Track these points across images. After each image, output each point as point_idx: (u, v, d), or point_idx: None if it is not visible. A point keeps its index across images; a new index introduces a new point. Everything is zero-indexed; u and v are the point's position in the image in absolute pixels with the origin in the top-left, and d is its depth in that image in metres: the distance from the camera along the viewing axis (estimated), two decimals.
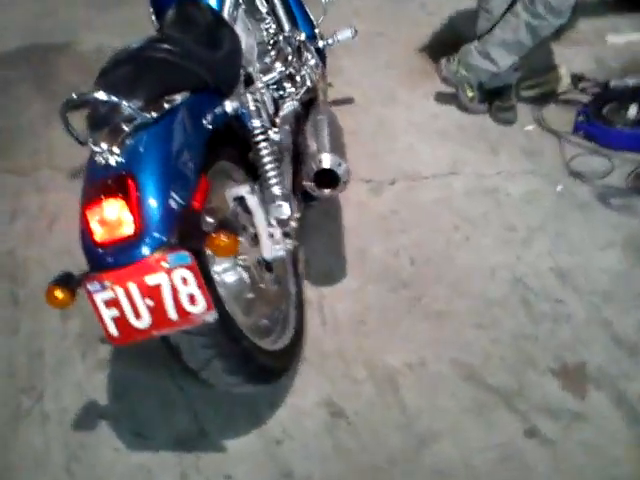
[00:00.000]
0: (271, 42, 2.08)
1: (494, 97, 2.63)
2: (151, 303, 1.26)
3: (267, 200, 1.59)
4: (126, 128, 1.29)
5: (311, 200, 1.88)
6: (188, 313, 1.26)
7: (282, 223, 1.60)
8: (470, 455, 1.56)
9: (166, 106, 1.35)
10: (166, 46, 1.43)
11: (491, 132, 2.58)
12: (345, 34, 2.34)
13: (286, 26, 2.13)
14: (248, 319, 1.57)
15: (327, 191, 1.67)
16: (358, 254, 2.11)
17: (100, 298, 1.27)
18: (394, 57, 3.06)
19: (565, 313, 1.86)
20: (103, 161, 1.26)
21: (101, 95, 1.24)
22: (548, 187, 2.30)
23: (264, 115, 1.61)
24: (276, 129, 1.76)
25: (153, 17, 1.98)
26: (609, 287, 1.92)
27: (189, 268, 1.23)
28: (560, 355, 1.76)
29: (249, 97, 1.60)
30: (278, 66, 1.90)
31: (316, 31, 2.33)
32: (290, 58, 1.97)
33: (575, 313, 1.86)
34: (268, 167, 1.58)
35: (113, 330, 1.29)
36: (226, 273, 1.57)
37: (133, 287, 1.25)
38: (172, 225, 1.25)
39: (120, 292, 1.26)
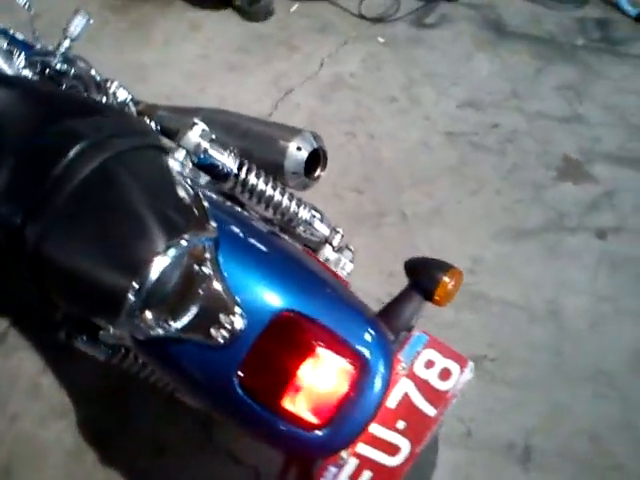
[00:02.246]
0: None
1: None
2: (403, 424, 0.89)
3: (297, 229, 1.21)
4: (206, 269, 0.80)
5: None
6: (445, 393, 0.92)
7: (328, 240, 1.25)
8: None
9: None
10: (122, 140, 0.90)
11: (270, 33, 2.31)
12: (79, 22, 1.77)
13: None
14: None
15: (319, 172, 1.34)
16: None
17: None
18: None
19: (510, 129, 1.88)
20: (227, 334, 0.78)
21: (165, 260, 0.73)
22: (373, 46, 2.19)
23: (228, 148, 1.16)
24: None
25: None
26: (503, 84, 1.98)
27: (430, 345, 0.88)
28: (546, 162, 1.79)
29: (191, 137, 1.12)
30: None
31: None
32: (98, 80, 1.44)
33: (514, 123, 1.89)
34: (278, 194, 1.17)
35: None
36: None
37: (376, 428, 0.87)
38: (376, 317, 0.87)
39: (363, 449, 0.86)
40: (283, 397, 0.78)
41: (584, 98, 1.91)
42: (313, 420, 0.79)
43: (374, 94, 2.05)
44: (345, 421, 0.81)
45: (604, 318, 1.52)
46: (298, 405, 0.79)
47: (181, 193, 0.89)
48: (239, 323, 0.78)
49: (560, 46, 2.06)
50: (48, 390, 1.53)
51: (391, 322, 0.90)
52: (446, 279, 0.91)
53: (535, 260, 1.63)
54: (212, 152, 1.11)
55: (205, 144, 1.11)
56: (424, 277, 0.93)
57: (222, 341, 0.78)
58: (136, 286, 0.72)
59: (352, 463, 0.87)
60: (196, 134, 1.11)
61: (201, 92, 2.18)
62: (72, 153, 0.87)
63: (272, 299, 0.81)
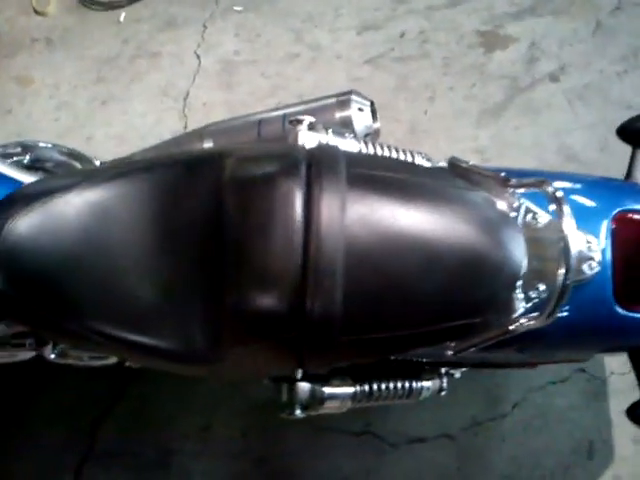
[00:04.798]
0: None
1: None
2: None
3: None
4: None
5: None
6: None
7: None
8: None
9: None
10: None
11: (116, 53, 2.04)
12: None
13: None
14: None
15: (377, 124, 1.27)
16: None
17: None
18: None
19: (417, 32, 1.91)
20: (596, 262, 0.75)
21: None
22: (235, 17, 2.03)
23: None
24: None
25: None
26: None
27: None
28: (468, 44, 1.87)
29: (306, 136, 0.97)
30: None
31: None
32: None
33: (417, 26, 1.92)
34: (402, 152, 1.10)
35: None
36: None
37: None
38: None
39: None
40: None
41: None
42: None
43: (273, 59, 1.95)
44: None
45: (605, 140, 1.68)
46: None
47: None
48: (596, 246, 0.75)
49: None
50: None
51: None
52: None
53: (523, 125, 1.72)
54: (334, 141, 0.98)
55: (325, 137, 0.98)
56: None
57: (598, 269, 0.74)
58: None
59: None
60: (305, 131, 0.97)
61: (90, 141, 1.89)
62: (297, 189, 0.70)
63: (596, 211, 0.78)
